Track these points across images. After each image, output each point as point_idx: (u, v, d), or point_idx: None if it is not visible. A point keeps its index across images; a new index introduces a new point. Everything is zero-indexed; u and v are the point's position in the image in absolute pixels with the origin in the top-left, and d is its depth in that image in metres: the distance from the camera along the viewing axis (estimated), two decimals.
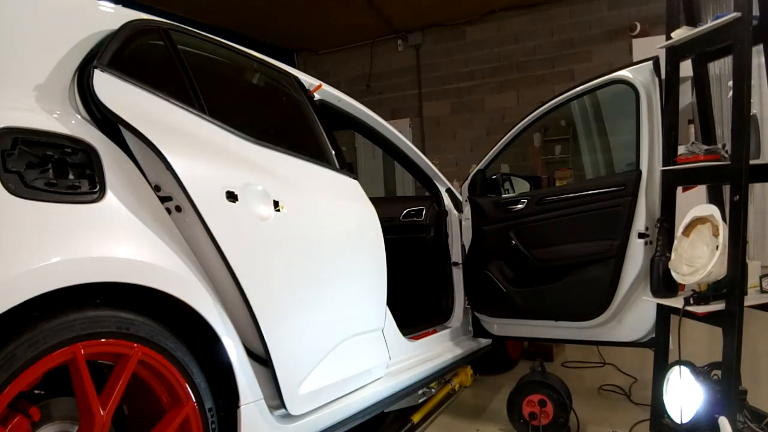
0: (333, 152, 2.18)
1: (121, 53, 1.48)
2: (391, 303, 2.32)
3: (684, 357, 2.08)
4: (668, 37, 2.21)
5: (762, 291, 2.05)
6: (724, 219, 2.02)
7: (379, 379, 2.21)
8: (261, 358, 1.67)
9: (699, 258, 2.04)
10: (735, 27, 1.90)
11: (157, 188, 1.48)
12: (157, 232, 1.38)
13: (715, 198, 2.38)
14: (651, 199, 2.39)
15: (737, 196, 1.88)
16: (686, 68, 2.32)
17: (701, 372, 2.06)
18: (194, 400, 1.41)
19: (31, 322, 1.08)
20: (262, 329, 1.59)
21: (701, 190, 2.53)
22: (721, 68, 4.35)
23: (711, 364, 2.14)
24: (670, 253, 2.14)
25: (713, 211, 2.04)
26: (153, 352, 1.30)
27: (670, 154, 2.26)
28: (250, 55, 2.06)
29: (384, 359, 2.25)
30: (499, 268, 2.83)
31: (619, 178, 2.51)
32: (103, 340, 1.19)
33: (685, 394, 2.03)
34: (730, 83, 1.93)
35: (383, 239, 2.23)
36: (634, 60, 3.17)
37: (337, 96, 2.47)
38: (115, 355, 1.24)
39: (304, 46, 8.49)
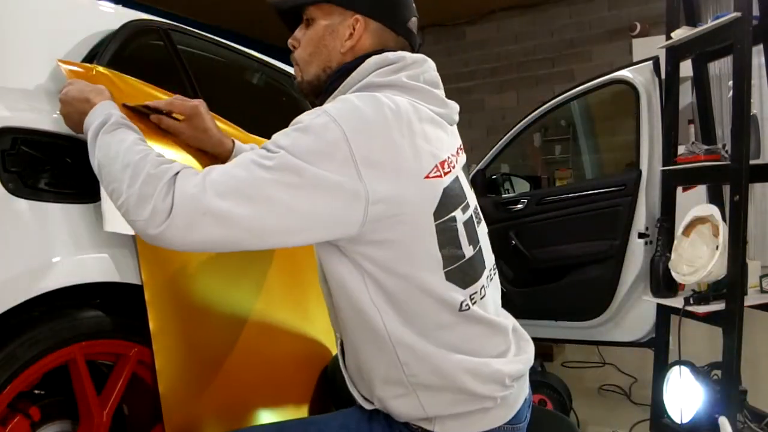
0: None
1: (120, 53, 1.48)
2: None
3: (684, 357, 2.08)
4: (668, 37, 2.21)
5: (762, 291, 2.05)
6: (724, 219, 2.02)
7: None
8: None
9: (699, 258, 2.04)
10: (735, 27, 1.90)
11: None
12: None
13: (715, 198, 2.38)
14: (651, 199, 2.39)
15: (737, 196, 1.88)
16: (686, 68, 2.32)
17: (701, 372, 2.07)
18: None
19: (31, 322, 1.08)
20: None
21: (701, 190, 2.53)
22: (721, 68, 4.37)
23: (711, 364, 2.14)
24: (670, 253, 2.14)
25: (713, 211, 2.04)
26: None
27: (670, 154, 2.26)
28: (250, 55, 2.06)
29: None
30: (499, 268, 2.83)
31: (619, 178, 2.51)
32: (103, 340, 1.19)
33: (685, 394, 2.03)
34: (730, 83, 1.93)
35: None
36: (634, 60, 3.17)
37: None
38: (115, 355, 1.24)
39: None
